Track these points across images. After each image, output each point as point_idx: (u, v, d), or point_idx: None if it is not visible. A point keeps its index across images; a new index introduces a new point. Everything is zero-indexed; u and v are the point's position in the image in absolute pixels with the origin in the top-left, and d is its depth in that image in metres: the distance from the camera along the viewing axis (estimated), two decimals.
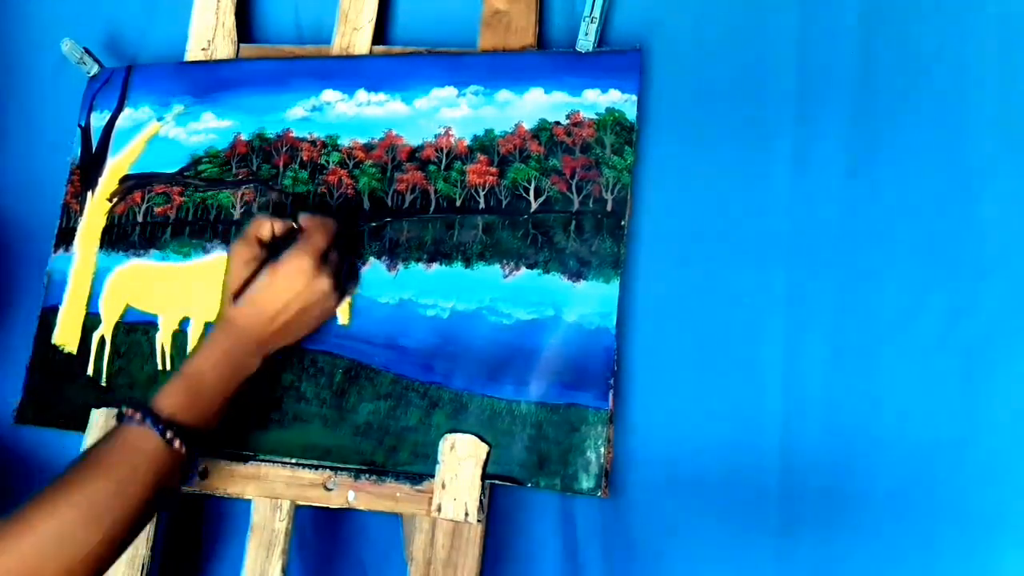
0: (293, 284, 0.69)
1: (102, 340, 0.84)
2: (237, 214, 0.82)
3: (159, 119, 0.88)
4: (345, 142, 0.80)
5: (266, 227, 0.72)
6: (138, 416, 0.64)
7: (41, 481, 0.79)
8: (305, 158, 0.81)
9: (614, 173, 0.72)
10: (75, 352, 0.85)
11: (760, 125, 0.71)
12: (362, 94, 0.81)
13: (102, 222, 0.88)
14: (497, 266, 0.73)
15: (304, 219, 0.72)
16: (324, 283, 0.70)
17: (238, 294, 0.70)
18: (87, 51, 0.91)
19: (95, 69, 0.92)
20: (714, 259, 0.72)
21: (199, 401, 0.67)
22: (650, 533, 0.72)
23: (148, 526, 0.79)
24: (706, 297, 0.71)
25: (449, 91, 0.78)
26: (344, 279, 0.74)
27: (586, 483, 0.68)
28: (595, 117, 0.73)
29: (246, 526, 0.76)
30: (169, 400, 0.66)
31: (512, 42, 0.78)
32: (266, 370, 0.72)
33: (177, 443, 0.64)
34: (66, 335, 0.86)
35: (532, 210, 0.73)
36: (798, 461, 0.68)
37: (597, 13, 0.72)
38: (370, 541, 0.84)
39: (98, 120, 0.91)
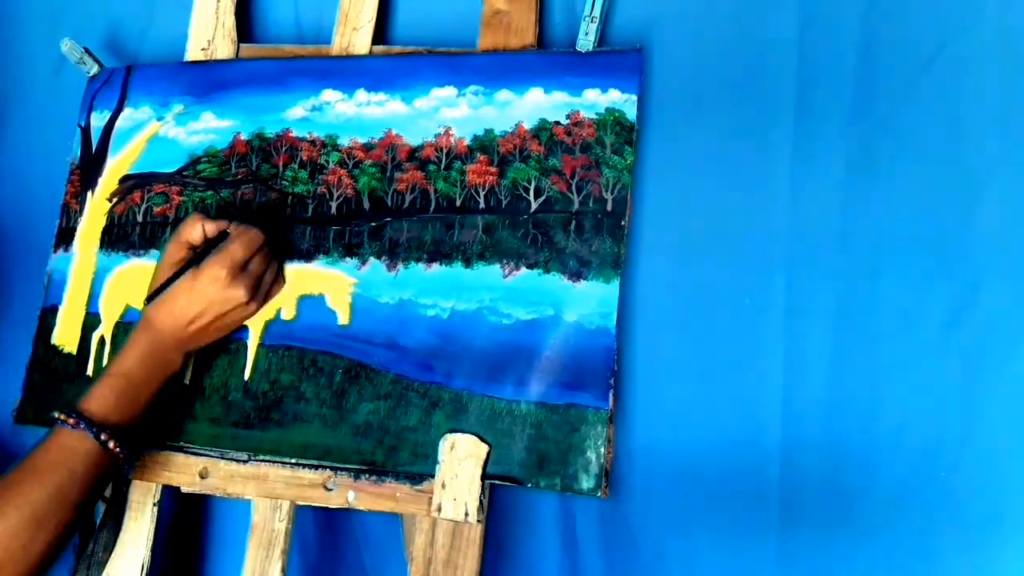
0: (207, 292, 0.72)
1: (102, 340, 0.84)
2: (236, 214, 0.82)
3: (159, 119, 0.88)
4: (345, 142, 0.80)
5: (197, 230, 0.74)
6: (71, 421, 0.67)
7: None
8: (305, 158, 0.81)
9: (614, 173, 0.72)
10: (75, 352, 0.85)
11: (760, 125, 0.71)
12: (362, 94, 0.81)
13: (102, 222, 0.88)
14: (497, 266, 0.73)
15: (232, 228, 0.74)
16: (239, 293, 0.73)
17: (155, 295, 0.73)
18: (87, 51, 0.91)
19: (95, 69, 0.92)
20: (714, 259, 0.71)
21: (127, 401, 0.70)
22: (650, 533, 0.72)
23: (148, 526, 0.79)
24: (706, 297, 0.71)
25: (449, 91, 0.78)
26: (267, 286, 0.77)
27: (586, 483, 0.68)
28: (595, 117, 0.73)
29: (246, 526, 0.76)
30: (98, 403, 0.69)
31: (512, 42, 0.78)
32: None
33: (112, 444, 0.68)
34: (66, 335, 0.86)
35: (532, 210, 0.73)
36: (798, 461, 0.68)
37: (597, 13, 0.72)
38: (370, 541, 0.84)
39: (98, 120, 0.91)
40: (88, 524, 0.81)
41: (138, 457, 0.77)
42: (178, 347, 0.73)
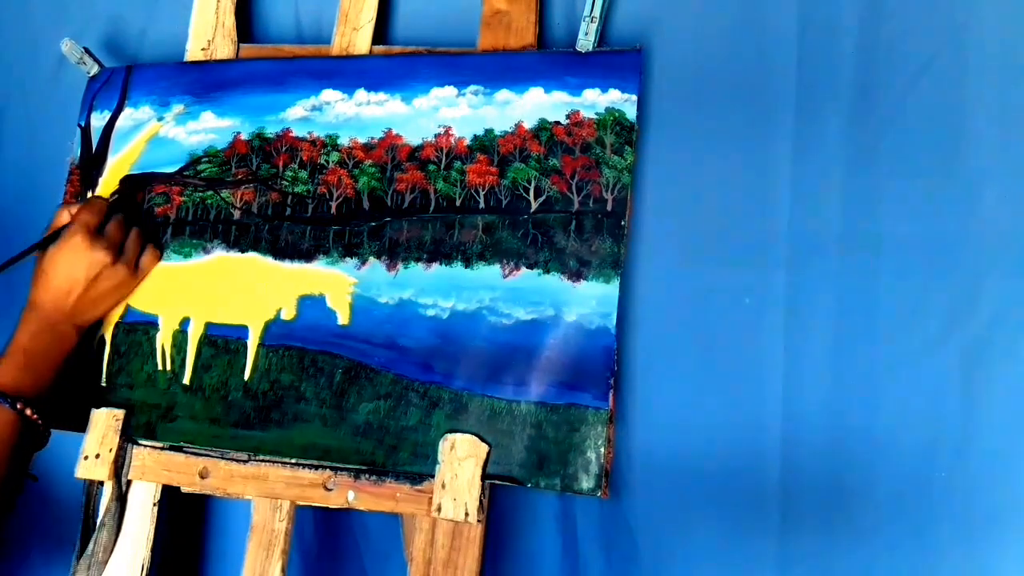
0: (70, 260, 0.77)
1: (102, 340, 0.84)
2: (237, 214, 0.82)
3: (159, 119, 0.88)
4: (345, 142, 0.80)
5: (64, 215, 0.80)
6: None
7: (41, 481, 0.79)
8: (305, 158, 0.81)
9: (614, 173, 0.72)
10: (75, 352, 0.85)
11: (760, 125, 0.71)
12: (362, 94, 0.81)
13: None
14: (497, 266, 0.73)
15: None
16: (100, 255, 0.77)
17: (35, 281, 0.78)
18: (87, 51, 0.91)
19: (95, 69, 0.92)
20: (714, 259, 0.71)
21: (31, 374, 0.75)
22: (650, 533, 0.72)
23: (148, 526, 0.79)
24: (706, 297, 0.71)
25: (449, 91, 0.78)
26: (131, 251, 0.81)
27: (586, 483, 0.68)
28: (595, 117, 0.73)
29: (246, 526, 0.76)
30: (7, 376, 0.73)
31: (512, 42, 0.78)
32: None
33: (29, 411, 0.72)
34: None
35: (532, 210, 0.73)
36: (798, 461, 0.68)
37: (597, 13, 0.72)
38: (370, 541, 0.84)
39: (98, 120, 0.91)
40: (88, 524, 0.81)
41: (49, 428, 0.78)
42: (66, 320, 0.77)
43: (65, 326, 0.78)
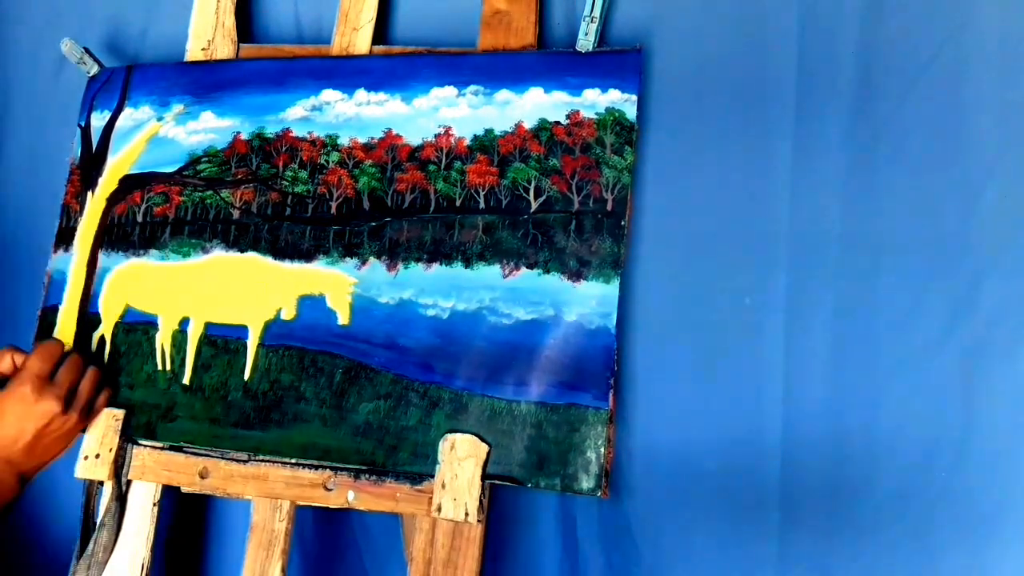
0: (17, 411, 0.74)
1: (102, 340, 0.84)
2: (236, 214, 0.82)
3: (159, 119, 0.88)
4: (345, 142, 0.80)
5: (6, 360, 0.78)
6: None
7: (41, 481, 0.79)
8: (305, 158, 0.81)
9: (614, 173, 0.72)
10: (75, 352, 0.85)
11: (760, 125, 0.71)
12: (362, 94, 0.81)
13: (102, 222, 0.88)
14: (497, 266, 0.73)
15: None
16: (49, 405, 0.75)
17: None
18: (87, 51, 0.91)
19: (95, 69, 0.92)
20: (714, 259, 0.72)
21: None
22: (650, 533, 0.73)
23: (148, 526, 0.79)
24: (706, 297, 0.71)
25: (449, 91, 0.78)
26: (84, 395, 0.78)
27: (586, 483, 0.68)
28: (595, 117, 0.73)
29: (246, 526, 0.76)
30: None
31: (512, 42, 0.78)
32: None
33: None
34: (66, 335, 0.86)
35: (532, 210, 0.73)
36: (798, 461, 0.68)
37: (597, 13, 0.72)
38: (370, 541, 0.84)
39: (98, 120, 0.91)
40: (88, 524, 0.81)
41: None
42: (10, 468, 0.74)
43: (7, 474, 0.74)
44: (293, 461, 0.75)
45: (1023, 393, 0.63)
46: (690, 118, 0.74)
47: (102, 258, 0.87)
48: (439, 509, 0.69)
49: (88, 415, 0.79)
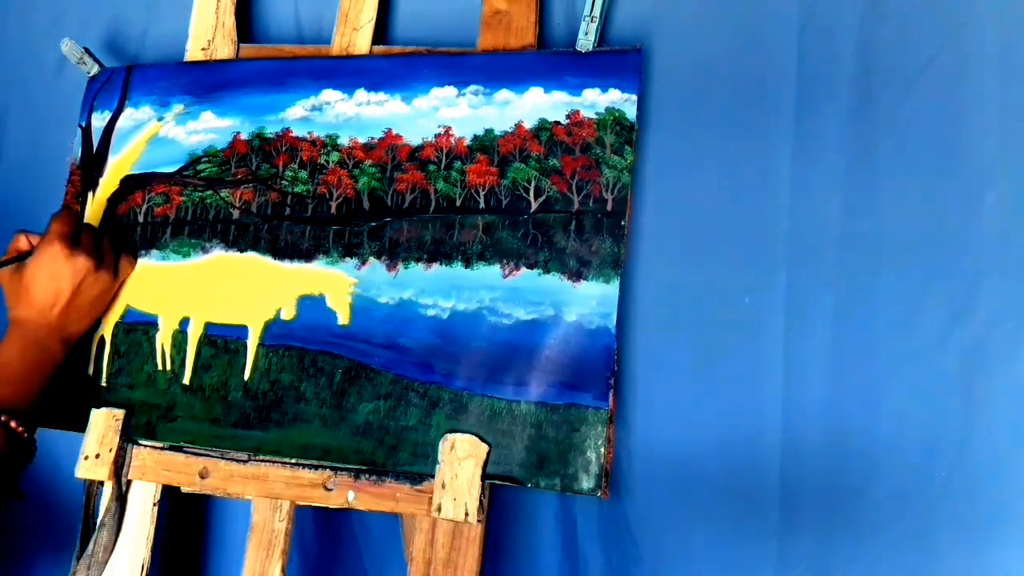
0: (51, 270, 0.75)
1: (102, 340, 0.84)
2: (236, 214, 0.82)
3: (159, 119, 0.88)
4: (345, 142, 0.80)
5: (22, 240, 0.80)
6: None
7: (41, 481, 0.79)
8: (305, 158, 0.81)
9: (614, 173, 0.72)
10: (75, 352, 0.85)
11: (760, 125, 0.71)
12: (362, 94, 0.81)
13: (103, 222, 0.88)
14: (497, 266, 0.73)
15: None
16: (81, 261, 0.76)
17: (13, 299, 0.77)
18: (87, 51, 0.91)
19: (95, 69, 0.92)
20: (714, 259, 0.71)
21: (14, 387, 0.73)
22: (650, 533, 0.72)
23: (148, 526, 0.79)
24: (706, 297, 0.71)
25: (449, 91, 0.78)
26: (109, 255, 0.80)
27: (586, 483, 0.68)
28: (595, 117, 0.73)
29: (246, 526, 0.76)
30: None
31: (512, 42, 0.78)
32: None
33: (14, 423, 0.70)
34: None
35: (532, 210, 0.73)
36: (798, 461, 0.68)
37: (597, 13, 0.72)
38: (370, 541, 0.84)
39: (99, 120, 0.91)
40: (88, 524, 0.81)
41: (35, 440, 0.76)
42: (51, 334, 0.76)
43: (51, 340, 0.76)
44: (293, 461, 0.75)
45: (1023, 393, 0.63)
46: (690, 118, 0.73)
47: None
48: (439, 509, 0.69)
49: (117, 275, 0.80)
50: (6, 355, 0.74)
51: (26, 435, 0.71)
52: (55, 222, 0.78)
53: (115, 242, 0.82)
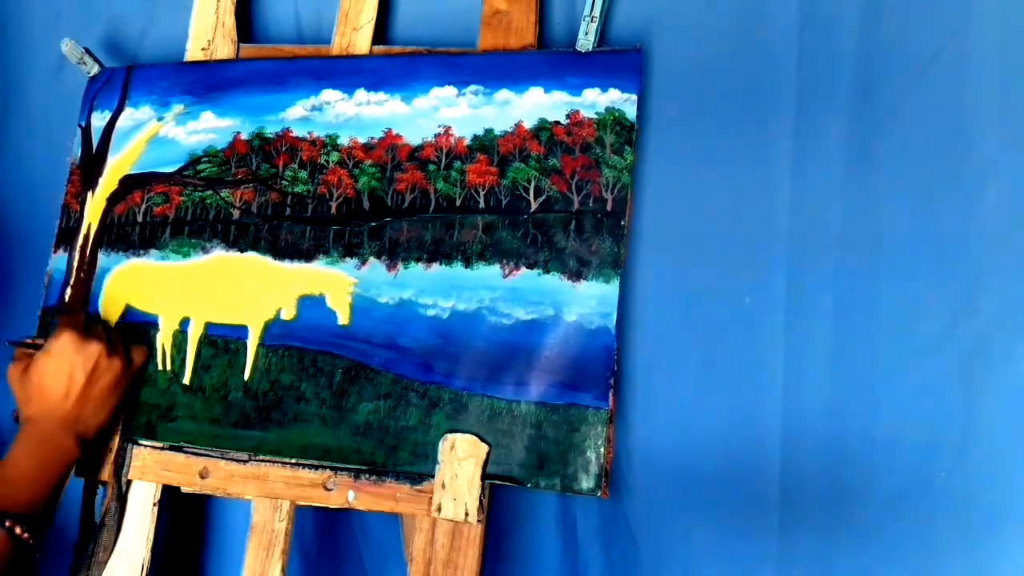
0: (64, 358, 0.73)
1: None
2: (236, 214, 0.82)
3: (159, 119, 0.88)
4: (345, 141, 0.80)
5: (27, 342, 0.78)
6: None
7: None
8: (305, 158, 0.81)
9: (614, 173, 0.72)
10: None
11: (760, 125, 0.71)
12: (362, 94, 0.81)
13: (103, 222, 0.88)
14: (497, 266, 0.73)
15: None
16: (95, 347, 0.74)
17: (24, 398, 0.74)
18: (87, 51, 0.91)
19: (95, 69, 0.92)
20: (714, 259, 0.71)
21: (24, 491, 0.68)
22: (650, 533, 0.72)
23: (148, 526, 0.79)
24: (706, 297, 0.71)
25: (449, 91, 0.78)
26: (118, 342, 0.78)
27: (586, 483, 0.68)
28: (595, 117, 0.73)
29: (246, 526, 0.76)
30: None
31: (512, 42, 0.78)
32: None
33: (18, 530, 0.65)
34: None
35: (532, 210, 0.73)
36: (798, 461, 0.68)
37: (597, 13, 0.72)
38: (370, 541, 0.84)
39: (99, 120, 0.91)
40: (88, 524, 0.81)
41: (45, 545, 0.72)
42: (66, 429, 0.72)
43: (65, 436, 0.72)
44: (293, 461, 0.75)
45: (1023, 393, 0.63)
46: (690, 118, 0.73)
47: (102, 258, 0.87)
48: (439, 509, 0.69)
49: (130, 363, 0.78)
50: (16, 456, 0.70)
51: (32, 542, 0.66)
52: (64, 317, 0.78)
53: (123, 334, 0.80)
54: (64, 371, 0.72)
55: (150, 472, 0.80)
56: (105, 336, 0.76)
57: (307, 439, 0.75)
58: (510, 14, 0.78)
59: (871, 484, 0.66)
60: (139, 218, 0.86)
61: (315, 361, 0.76)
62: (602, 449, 0.68)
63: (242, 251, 0.81)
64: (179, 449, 0.79)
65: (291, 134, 0.82)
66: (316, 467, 0.75)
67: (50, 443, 0.71)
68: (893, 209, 0.67)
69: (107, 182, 0.88)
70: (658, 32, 0.75)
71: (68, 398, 0.72)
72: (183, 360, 0.81)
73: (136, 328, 0.83)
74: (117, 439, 0.80)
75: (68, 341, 0.73)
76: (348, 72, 0.82)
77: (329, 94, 0.82)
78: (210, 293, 0.81)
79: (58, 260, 0.89)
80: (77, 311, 0.80)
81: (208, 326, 0.81)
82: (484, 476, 0.69)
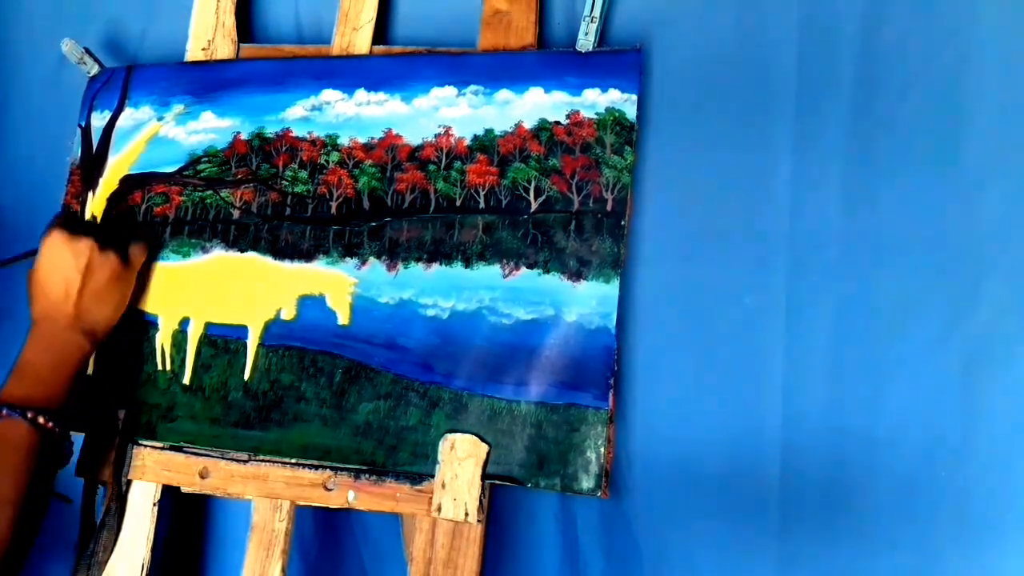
0: (56, 258, 0.73)
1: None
2: (236, 214, 0.82)
3: (159, 119, 0.88)
4: (345, 142, 0.80)
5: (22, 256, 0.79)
6: (2, 412, 0.67)
7: None
8: (305, 158, 0.81)
9: (614, 173, 0.72)
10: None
11: (760, 125, 0.71)
12: (362, 94, 0.81)
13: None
14: (497, 266, 0.73)
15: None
16: (84, 243, 0.74)
17: (31, 300, 0.75)
18: (87, 51, 0.91)
19: (95, 69, 0.92)
20: (714, 259, 0.71)
21: (41, 384, 0.70)
22: (650, 533, 0.72)
23: (148, 526, 0.79)
24: (706, 297, 0.71)
25: (449, 91, 0.78)
26: (113, 239, 0.77)
27: (586, 483, 0.68)
28: (595, 117, 0.73)
29: (246, 526, 0.76)
30: (15, 391, 0.69)
31: (512, 42, 0.78)
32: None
33: (42, 419, 0.67)
34: None
35: (532, 210, 0.73)
36: (798, 461, 0.68)
37: (597, 13, 0.72)
38: (370, 541, 0.84)
39: (99, 120, 0.91)
40: (88, 524, 0.81)
41: (69, 437, 0.74)
42: (72, 326, 0.73)
43: (71, 333, 0.73)
44: (293, 461, 0.75)
45: (1023, 393, 0.63)
46: (690, 118, 0.73)
47: None
48: (439, 509, 0.69)
49: (128, 261, 0.78)
50: (29, 354, 0.72)
51: (59, 432, 0.69)
52: (54, 218, 0.77)
53: (121, 229, 0.81)
54: (59, 272, 0.73)
55: (150, 472, 0.80)
56: (97, 231, 0.77)
57: (307, 439, 0.75)
58: (510, 14, 0.78)
59: (871, 484, 0.66)
60: (139, 218, 0.86)
61: (315, 361, 0.76)
62: (602, 449, 0.68)
63: (242, 251, 0.81)
64: (179, 449, 0.79)
65: (291, 134, 0.82)
66: (316, 467, 0.75)
67: (59, 340, 0.73)
68: (893, 209, 0.67)
69: (107, 182, 0.88)
70: (658, 32, 0.75)
71: (68, 297, 0.73)
72: (183, 360, 0.81)
73: (136, 328, 0.83)
74: (117, 439, 0.80)
75: (57, 240, 0.74)
76: (348, 72, 0.82)
77: (329, 94, 0.82)
78: (210, 293, 0.81)
79: None
80: (68, 211, 0.80)
81: (208, 326, 0.81)
82: (484, 476, 0.69)
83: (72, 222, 0.77)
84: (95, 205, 0.87)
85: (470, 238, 0.74)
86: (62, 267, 0.73)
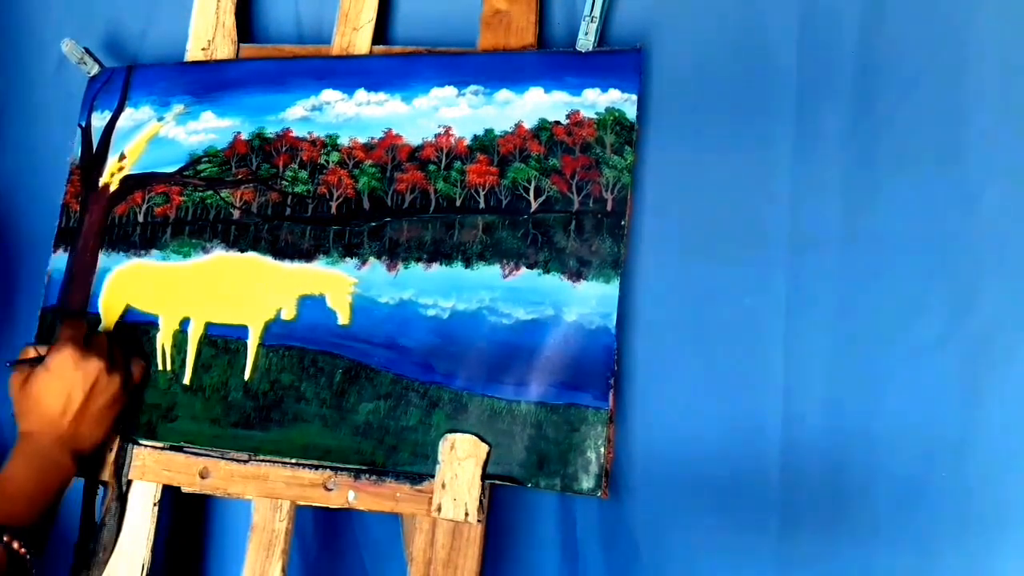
0: (64, 374, 0.71)
1: None
2: (236, 214, 0.82)
3: (159, 119, 0.88)
4: (345, 142, 0.80)
5: (30, 351, 0.76)
6: None
7: None
8: (305, 158, 0.81)
9: (614, 173, 0.72)
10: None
11: (760, 125, 0.71)
12: (362, 94, 0.81)
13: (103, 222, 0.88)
14: (497, 266, 0.73)
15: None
16: (95, 363, 0.73)
17: (22, 411, 0.72)
18: (87, 51, 0.91)
19: (95, 69, 0.92)
20: (714, 259, 0.71)
21: (21, 505, 0.67)
22: (650, 533, 0.73)
23: (148, 526, 0.79)
24: (706, 297, 0.71)
25: (449, 91, 0.78)
26: (121, 361, 0.77)
27: (586, 483, 0.68)
28: (595, 117, 0.73)
29: (246, 526, 0.76)
30: None
31: (512, 42, 0.78)
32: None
33: (16, 544, 0.64)
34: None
35: (532, 210, 0.73)
36: (798, 461, 0.68)
37: (597, 13, 0.72)
38: (370, 541, 0.84)
39: (99, 120, 0.91)
40: (88, 524, 0.81)
41: (42, 559, 0.70)
42: (62, 447, 0.72)
43: (61, 454, 0.71)
44: (293, 461, 0.75)
45: (1023, 393, 0.63)
46: (690, 118, 0.73)
47: (102, 258, 0.87)
48: (439, 509, 0.69)
49: (129, 381, 0.77)
50: (12, 470, 0.69)
51: (28, 557, 0.65)
52: (66, 327, 0.75)
53: (124, 345, 0.79)
54: (63, 389, 0.72)
55: (150, 472, 0.80)
56: (107, 350, 0.76)
57: (307, 439, 0.75)
58: (510, 14, 0.78)
59: (871, 484, 0.66)
60: (140, 218, 0.86)
61: (315, 361, 0.76)
62: (602, 449, 0.68)
63: (242, 251, 0.81)
64: (179, 449, 0.79)
65: (291, 134, 0.82)
66: (316, 467, 0.75)
67: (46, 459, 0.71)
68: (893, 208, 0.67)
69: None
70: (658, 32, 0.75)
71: (65, 415, 0.72)
72: (183, 360, 0.81)
73: (136, 328, 0.83)
74: (117, 439, 0.80)
75: (68, 357, 0.72)
76: (348, 72, 0.82)
77: (329, 94, 0.82)
78: (210, 293, 0.81)
79: (58, 260, 0.89)
80: (79, 321, 0.78)
81: (208, 326, 0.81)
82: (484, 476, 0.69)
83: (82, 335, 0.75)
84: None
85: (470, 238, 0.74)
86: (68, 384, 0.72)
